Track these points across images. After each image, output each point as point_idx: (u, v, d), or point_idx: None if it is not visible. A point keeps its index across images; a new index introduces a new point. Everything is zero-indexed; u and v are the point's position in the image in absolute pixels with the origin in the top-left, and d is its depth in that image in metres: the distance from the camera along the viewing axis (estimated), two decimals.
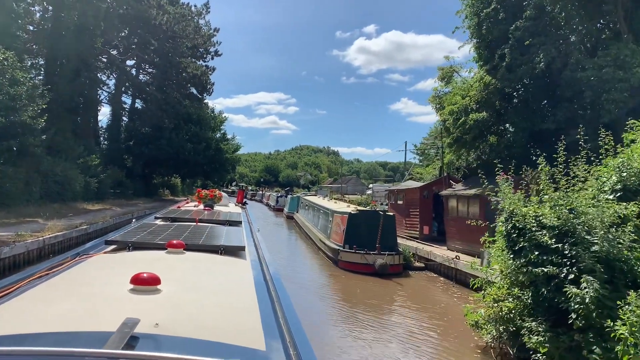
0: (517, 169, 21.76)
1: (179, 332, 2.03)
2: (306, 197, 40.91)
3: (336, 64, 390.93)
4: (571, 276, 7.95)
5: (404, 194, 27.50)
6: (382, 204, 38.22)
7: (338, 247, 20.30)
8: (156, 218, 7.06)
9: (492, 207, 17.17)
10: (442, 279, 19.19)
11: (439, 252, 20.48)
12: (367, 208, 23.61)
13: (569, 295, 7.63)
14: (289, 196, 57.93)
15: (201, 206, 9.82)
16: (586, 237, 8.24)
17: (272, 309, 2.76)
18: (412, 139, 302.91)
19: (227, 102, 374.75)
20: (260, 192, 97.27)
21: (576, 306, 7.50)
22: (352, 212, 20.47)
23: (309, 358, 2.08)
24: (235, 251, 4.25)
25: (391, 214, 20.02)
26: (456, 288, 17.60)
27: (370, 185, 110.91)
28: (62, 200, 31.22)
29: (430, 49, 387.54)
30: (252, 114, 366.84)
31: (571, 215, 8.73)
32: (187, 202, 12.04)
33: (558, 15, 19.15)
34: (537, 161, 10.73)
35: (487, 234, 18.88)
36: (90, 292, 2.63)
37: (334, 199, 41.86)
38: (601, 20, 19.80)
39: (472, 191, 19.94)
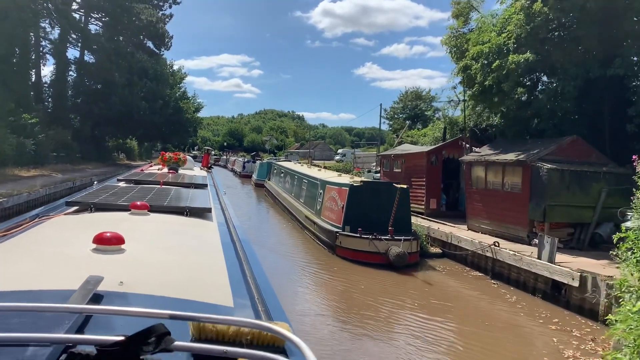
0: (570, 129, 17.43)
1: (144, 289, 1.97)
2: (280, 163, 35.83)
3: (300, 27, 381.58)
4: None
5: (404, 159, 22.75)
6: (369, 171, 33.70)
7: (336, 230, 15.51)
8: (119, 180, 6.86)
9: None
10: (470, 270, 14.69)
11: (462, 235, 15.95)
12: (371, 179, 18.81)
13: None
14: (258, 161, 53.13)
15: (165, 169, 9.61)
16: None
17: (240, 268, 2.72)
18: (376, 104, 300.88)
19: (188, 63, 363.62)
20: (225, 156, 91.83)
21: None
22: (355, 184, 15.61)
23: (277, 314, 2.04)
24: (201, 213, 4.14)
25: (405, 186, 15.25)
26: (500, 286, 13.11)
27: (339, 151, 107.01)
28: None
29: (396, 14, 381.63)
30: (215, 77, 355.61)
31: None
32: (151, 166, 11.78)
33: None
34: None
35: (532, 211, 14.51)
36: (51, 251, 2.58)
37: (305, 164, 37.19)
38: None
39: (511, 156, 15.32)
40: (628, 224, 11.73)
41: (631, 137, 16.25)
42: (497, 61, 15.73)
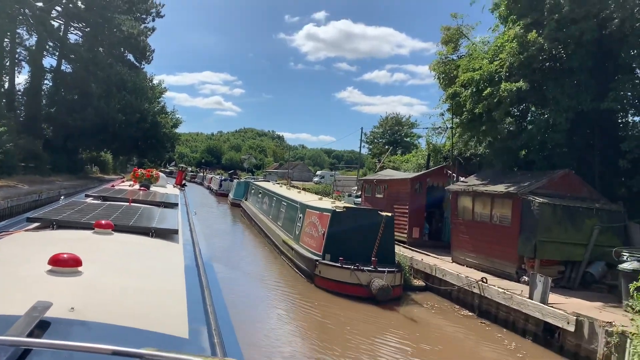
0: (560, 162, 16.92)
1: (96, 317, 1.91)
2: (258, 183, 34.85)
3: (284, 49, 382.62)
4: None
5: (387, 185, 22.07)
6: (349, 195, 32.95)
7: (315, 258, 14.64)
8: (87, 196, 6.69)
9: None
10: (455, 307, 13.94)
11: (447, 268, 15.22)
12: (351, 205, 18.04)
13: None
14: (235, 180, 52.09)
15: (137, 186, 9.34)
16: None
17: (201, 295, 2.66)
18: (356, 128, 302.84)
19: (170, 79, 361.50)
20: (201, 173, 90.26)
21: None
22: (337, 210, 14.79)
23: (232, 346, 2.03)
24: (167, 234, 4.08)
25: (390, 215, 14.50)
26: (488, 326, 12.35)
27: (318, 172, 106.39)
28: None
29: (379, 41, 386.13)
30: (196, 93, 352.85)
31: None
32: (122, 181, 11.55)
33: None
34: None
35: (521, 246, 13.85)
36: (2, 272, 2.45)
37: (283, 184, 36.32)
38: None
39: (500, 187, 14.72)
40: (625, 265, 11.16)
41: (622, 172, 15.86)
42: (489, 89, 15.22)
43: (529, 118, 17.86)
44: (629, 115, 15.57)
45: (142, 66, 54.91)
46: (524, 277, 13.51)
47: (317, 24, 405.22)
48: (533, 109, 17.92)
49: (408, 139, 68.08)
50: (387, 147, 63.25)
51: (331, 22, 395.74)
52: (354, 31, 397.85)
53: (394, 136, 68.42)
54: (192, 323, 2.12)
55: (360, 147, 56.14)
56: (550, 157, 16.50)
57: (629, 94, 14.47)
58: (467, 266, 15.74)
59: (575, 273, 13.42)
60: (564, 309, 10.77)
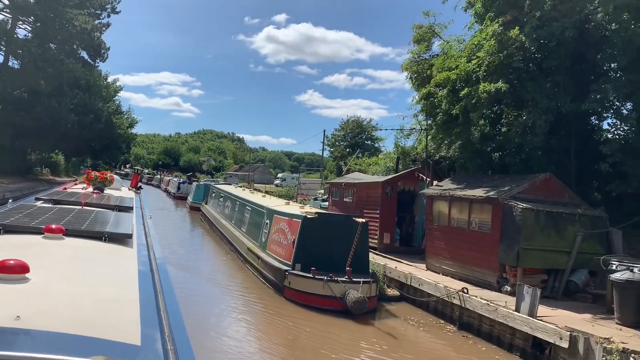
0: (537, 165, 16.36)
1: (43, 325, 1.84)
2: (219, 186, 33.49)
3: (244, 50, 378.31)
4: None
5: (356, 189, 21.19)
6: (315, 199, 31.91)
7: (285, 268, 13.57)
8: (37, 199, 6.32)
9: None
10: (434, 319, 13.12)
11: (423, 277, 14.42)
12: (322, 210, 17.06)
13: None
14: (194, 183, 50.49)
15: (90, 189, 8.88)
16: None
17: (154, 301, 2.58)
18: (317, 131, 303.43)
19: (127, 79, 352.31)
20: (159, 176, 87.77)
21: None
22: (309, 216, 13.75)
23: (185, 352, 2.00)
24: (121, 239, 3.97)
25: (364, 220, 13.57)
26: (472, 340, 11.56)
27: (279, 175, 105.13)
28: None
29: (339, 45, 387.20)
30: (153, 94, 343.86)
31: None
32: (75, 184, 11.11)
33: None
34: None
35: (503, 254, 13.17)
36: None
37: (246, 187, 35.11)
38: None
39: (479, 191, 14.02)
40: (617, 275, 10.54)
41: (600, 176, 15.45)
42: (466, 89, 14.52)
43: (503, 120, 17.31)
44: (609, 117, 15.17)
45: (97, 64, 52.54)
46: (506, 286, 12.84)
47: (278, 26, 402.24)
48: (507, 111, 17.38)
49: (369, 142, 67.91)
50: (348, 150, 62.79)
51: (291, 25, 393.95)
52: (315, 35, 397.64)
53: (355, 139, 68.11)
54: (145, 330, 2.06)
55: (322, 150, 55.36)
56: (527, 161, 15.98)
57: (610, 95, 14.00)
58: (443, 274, 15.00)
59: (559, 282, 12.80)
60: (554, 322, 10.07)
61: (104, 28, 47.48)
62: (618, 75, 14.33)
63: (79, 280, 2.63)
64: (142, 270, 3.19)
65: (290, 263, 13.55)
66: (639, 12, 12.83)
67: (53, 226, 3.58)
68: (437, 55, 17.63)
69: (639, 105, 13.89)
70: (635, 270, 10.39)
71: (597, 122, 16.21)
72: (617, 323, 10.24)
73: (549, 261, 12.74)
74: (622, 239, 13.47)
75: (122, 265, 3.27)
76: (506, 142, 15.47)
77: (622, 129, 15.11)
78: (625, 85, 13.54)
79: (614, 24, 13.62)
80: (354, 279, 12.56)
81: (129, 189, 11.48)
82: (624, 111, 14.88)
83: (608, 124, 15.70)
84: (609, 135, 15.03)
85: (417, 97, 17.85)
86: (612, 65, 14.63)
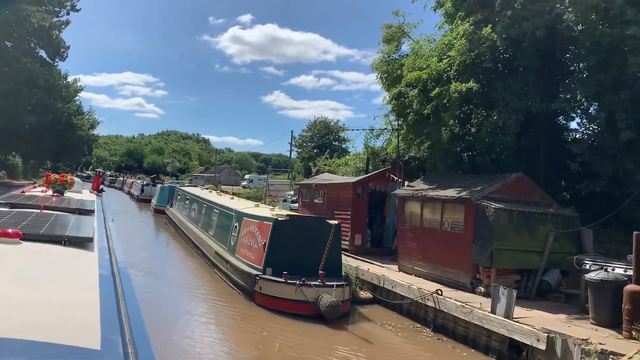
0: (507, 165, 16.35)
1: (0, 332, 1.81)
2: (185, 188, 32.75)
3: (208, 51, 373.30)
4: None
5: (327, 190, 20.91)
6: (284, 201, 31.49)
7: (255, 272, 13.16)
8: None
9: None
10: (408, 321, 12.92)
11: (396, 278, 14.22)
12: (293, 212, 16.68)
13: None
14: (158, 185, 49.36)
15: (50, 192, 8.66)
16: None
17: (116, 305, 2.56)
18: (283, 132, 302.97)
19: (88, 79, 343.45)
20: (121, 178, 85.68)
21: None
22: (280, 219, 13.37)
23: (146, 355, 2.02)
24: (81, 242, 3.88)
25: (337, 222, 13.27)
26: (447, 343, 11.39)
27: (246, 176, 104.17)
28: None
29: (306, 47, 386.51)
30: (116, 94, 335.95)
31: None
32: (34, 187, 10.78)
33: None
34: None
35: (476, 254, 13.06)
36: None
37: (212, 189, 34.45)
38: None
39: (451, 192, 13.90)
40: (592, 275, 10.51)
41: (568, 176, 15.54)
42: (437, 89, 14.39)
43: (473, 120, 17.30)
44: (577, 117, 15.28)
45: (56, 63, 51.00)
46: (480, 287, 12.74)
47: (243, 26, 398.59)
48: (477, 111, 17.38)
49: (337, 143, 67.81)
50: (316, 150, 62.58)
51: (257, 26, 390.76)
52: (281, 36, 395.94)
53: (323, 140, 67.94)
54: (105, 334, 2.03)
55: (290, 151, 54.94)
56: (497, 161, 15.97)
57: (578, 95, 14.09)
58: (415, 275, 14.84)
59: (532, 282, 12.77)
60: (530, 323, 9.98)
61: (63, 26, 46.04)
62: (586, 75, 14.45)
63: (37, 286, 2.58)
64: (103, 274, 3.16)
65: (261, 267, 13.15)
66: (607, 12, 12.93)
67: (9, 230, 3.46)
68: (407, 55, 17.52)
69: (607, 105, 13.99)
70: (609, 269, 10.39)
71: (565, 122, 16.32)
72: (592, 323, 10.21)
73: (521, 261, 12.70)
74: (592, 238, 13.54)
75: (82, 270, 3.23)
76: (476, 142, 15.43)
77: (590, 129, 15.26)
78: (593, 85, 13.63)
79: (581, 25, 13.73)
80: (327, 283, 12.26)
81: (90, 192, 11.22)
82: (592, 111, 15.02)
83: (577, 123, 15.84)
84: (578, 135, 15.14)
85: (387, 97, 17.71)
86: (581, 65, 14.73)
